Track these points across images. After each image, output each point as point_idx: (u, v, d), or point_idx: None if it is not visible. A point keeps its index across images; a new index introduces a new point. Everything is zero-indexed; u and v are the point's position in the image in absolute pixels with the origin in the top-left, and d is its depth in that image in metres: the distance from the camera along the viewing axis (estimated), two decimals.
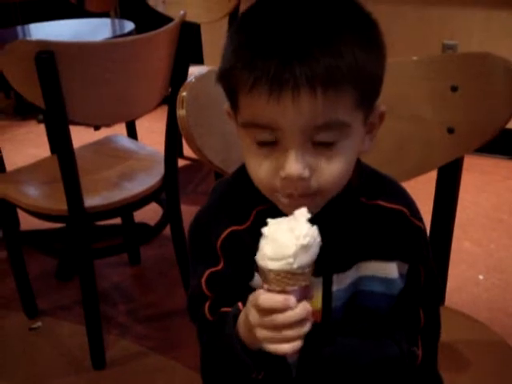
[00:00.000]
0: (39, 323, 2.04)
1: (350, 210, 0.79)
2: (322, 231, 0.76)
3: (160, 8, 2.94)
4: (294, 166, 0.68)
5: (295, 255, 0.64)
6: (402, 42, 2.93)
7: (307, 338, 0.76)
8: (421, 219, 0.85)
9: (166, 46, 1.71)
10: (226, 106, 0.77)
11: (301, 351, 0.68)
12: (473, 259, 2.26)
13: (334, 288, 0.79)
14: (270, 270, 0.65)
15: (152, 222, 2.09)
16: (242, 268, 0.77)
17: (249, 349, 0.74)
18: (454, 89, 1.04)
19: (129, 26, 2.50)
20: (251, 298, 0.69)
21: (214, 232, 0.80)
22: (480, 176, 2.87)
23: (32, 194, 1.87)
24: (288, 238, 0.64)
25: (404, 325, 0.87)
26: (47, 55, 1.45)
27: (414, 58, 1.08)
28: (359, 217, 0.80)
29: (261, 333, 0.67)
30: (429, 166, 1.10)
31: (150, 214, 2.18)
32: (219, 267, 0.80)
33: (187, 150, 3.19)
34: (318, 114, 0.66)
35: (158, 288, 2.21)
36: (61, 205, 1.68)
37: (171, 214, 1.96)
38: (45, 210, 1.76)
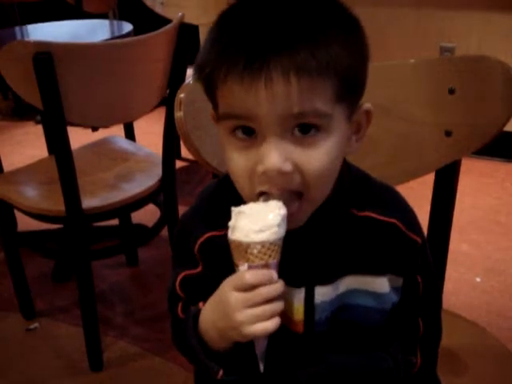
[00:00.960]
0: (36, 324, 2.04)
1: (338, 221, 0.77)
2: (306, 241, 0.76)
3: (158, 9, 2.94)
4: (273, 159, 0.66)
5: (279, 224, 0.67)
6: (399, 44, 2.95)
7: (291, 348, 0.76)
8: (418, 231, 0.81)
9: (164, 48, 1.71)
10: (210, 108, 0.76)
11: (282, 363, 0.71)
12: (470, 262, 2.26)
13: (318, 300, 0.77)
14: (256, 243, 0.67)
15: (150, 224, 2.09)
16: (219, 273, 0.75)
17: (211, 349, 0.75)
18: (452, 91, 1.04)
19: (127, 27, 2.50)
20: (229, 282, 0.70)
21: (193, 236, 0.80)
22: (478, 178, 2.87)
23: (29, 194, 1.87)
24: (269, 210, 0.68)
25: (401, 336, 0.85)
26: (45, 56, 1.45)
27: (412, 60, 1.08)
28: (348, 229, 0.77)
29: (241, 315, 0.68)
30: (426, 169, 1.10)
31: (147, 215, 2.18)
32: (196, 270, 0.81)
33: (185, 152, 3.18)
34: (293, 102, 0.64)
35: (155, 289, 2.21)
36: (58, 206, 1.68)
37: (169, 216, 1.96)
38: (42, 211, 1.76)
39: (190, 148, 0.93)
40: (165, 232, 1.99)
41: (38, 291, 2.14)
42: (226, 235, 0.74)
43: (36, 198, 1.85)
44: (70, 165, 1.62)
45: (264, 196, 0.70)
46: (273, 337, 0.70)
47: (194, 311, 0.78)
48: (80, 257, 1.75)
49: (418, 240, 0.80)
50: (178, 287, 0.83)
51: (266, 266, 0.68)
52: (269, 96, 0.64)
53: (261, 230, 0.67)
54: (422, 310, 0.86)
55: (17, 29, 2.78)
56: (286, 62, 0.63)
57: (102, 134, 2.54)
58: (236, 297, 0.68)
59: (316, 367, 0.80)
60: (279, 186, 0.68)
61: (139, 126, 2.78)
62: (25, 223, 2.19)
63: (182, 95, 0.92)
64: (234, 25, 0.67)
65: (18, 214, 1.98)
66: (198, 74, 0.71)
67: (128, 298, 2.20)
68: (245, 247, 0.68)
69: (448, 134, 1.05)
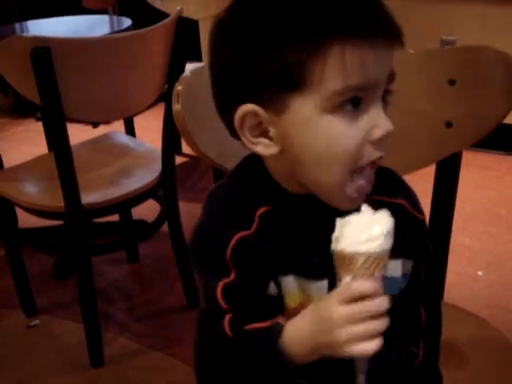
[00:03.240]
0: (37, 321, 2.04)
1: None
2: (324, 231, 0.73)
3: (157, 5, 2.93)
4: (386, 120, 0.68)
5: (386, 235, 0.65)
6: None
7: None
8: (422, 211, 0.84)
9: (163, 42, 1.70)
10: (246, 107, 0.70)
11: None
12: (472, 255, 2.26)
13: None
14: (362, 254, 0.64)
15: (150, 220, 2.08)
16: (255, 275, 0.73)
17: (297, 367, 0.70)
18: (452, 82, 1.03)
19: (126, 22, 2.50)
20: (332, 295, 0.66)
21: (222, 241, 0.73)
22: (479, 172, 2.86)
23: (29, 191, 1.86)
24: (376, 221, 0.65)
25: (404, 326, 0.84)
26: (43, 51, 1.44)
27: (411, 51, 1.07)
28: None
29: (343, 333, 0.64)
30: (427, 161, 1.10)
31: (148, 211, 2.18)
32: (231, 278, 0.73)
33: (185, 147, 3.18)
34: (391, 64, 0.69)
35: (156, 285, 2.21)
36: (58, 202, 1.68)
37: (169, 211, 1.95)
38: (42, 207, 1.75)
39: (188, 141, 0.92)
40: (165, 228, 1.98)
41: (38, 288, 2.13)
42: (256, 234, 0.73)
43: (36, 194, 1.85)
44: (69, 161, 1.62)
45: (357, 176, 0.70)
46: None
47: (277, 328, 0.71)
48: (80, 253, 1.75)
49: (423, 218, 0.83)
50: (220, 299, 0.73)
51: (372, 277, 0.65)
52: (387, 57, 0.67)
53: (367, 240, 0.64)
54: (423, 298, 0.86)
55: (16, 25, 2.78)
56: (390, 22, 0.67)
57: (102, 130, 2.54)
58: (339, 311, 0.64)
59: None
60: (385, 150, 0.70)
61: (139, 122, 2.78)
62: (26, 220, 2.19)
63: (179, 88, 0.91)
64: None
65: (19, 211, 1.98)
66: (285, 62, 0.66)
67: (129, 294, 2.20)
68: (349, 258, 0.65)
69: (449, 125, 1.05)
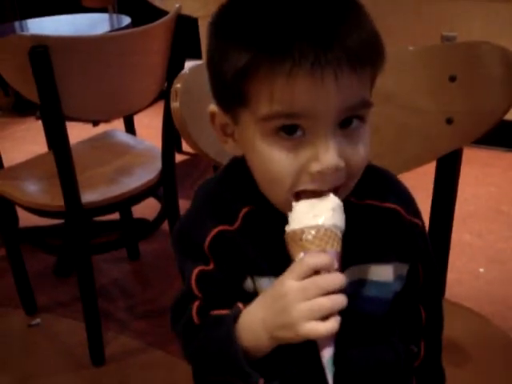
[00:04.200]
0: (38, 320, 2.04)
1: None
2: None
3: (157, 3, 2.92)
4: (331, 156, 0.63)
5: (333, 210, 0.66)
6: (400, 33, 2.92)
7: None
8: (418, 215, 0.81)
9: (162, 40, 1.70)
10: (212, 106, 0.72)
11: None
12: (473, 252, 2.25)
13: None
14: (310, 228, 0.65)
15: (150, 218, 2.08)
16: (233, 269, 0.73)
17: (249, 357, 0.69)
18: (453, 79, 1.03)
19: (125, 20, 2.49)
20: (286, 273, 0.66)
21: (201, 233, 0.74)
22: (480, 168, 2.86)
23: (29, 190, 1.86)
24: (324, 199, 0.66)
25: (402, 325, 0.84)
26: (41, 49, 1.44)
27: (412, 47, 1.07)
28: (349, 218, 0.74)
29: (297, 308, 0.63)
30: (428, 157, 1.09)
31: (148, 209, 2.17)
32: (209, 267, 0.74)
33: (186, 145, 3.17)
34: (354, 94, 0.63)
35: (157, 283, 2.20)
36: (58, 201, 1.67)
37: (169, 209, 1.95)
38: (42, 206, 1.75)
39: (187, 138, 0.92)
40: (166, 226, 1.98)
41: (39, 287, 2.13)
42: (236, 231, 0.72)
43: (35, 193, 1.85)
44: (68, 159, 1.62)
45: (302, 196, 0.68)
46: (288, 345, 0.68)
47: (235, 312, 0.71)
48: (80, 251, 1.75)
49: (419, 222, 0.81)
50: (194, 284, 0.74)
51: (324, 252, 0.65)
52: (337, 89, 0.61)
53: (315, 215, 0.65)
54: (423, 297, 0.85)
55: (16, 23, 2.77)
56: (351, 50, 0.61)
57: (102, 128, 2.53)
58: (293, 287, 0.64)
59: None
60: (331, 184, 0.67)
61: (139, 121, 2.77)
62: (26, 219, 2.18)
63: (178, 85, 0.91)
64: (277, 16, 0.62)
65: (20, 210, 1.98)
66: (237, 79, 0.65)
67: (129, 293, 2.19)
68: (299, 234, 0.65)
69: (449, 121, 1.04)
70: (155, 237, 2.21)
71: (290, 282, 0.65)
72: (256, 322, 0.68)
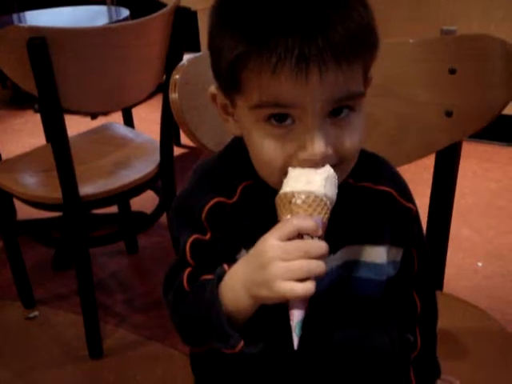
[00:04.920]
0: (36, 313, 2.04)
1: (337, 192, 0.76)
2: None
3: None
4: (318, 146, 0.66)
5: (326, 180, 0.66)
6: (399, 27, 2.91)
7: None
8: (411, 200, 0.83)
9: (160, 32, 1.69)
10: (212, 88, 0.75)
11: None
12: (472, 246, 2.25)
13: None
14: (301, 192, 0.66)
15: (149, 211, 2.07)
16: (228, 240, 0.75)
17: (233, 322, 0.69)
18: (452, 71, 1.03)
19: (124, 12, 2.48)
20: (270, 231, 0.66)
21: (198, 204, 0.76)
22: (479, 163, 2.86)
23: (27, 182, 1.86)
24: (319, 169, 0.67)
25: (398, 312, 0.86)
26: (39, 41, 1.43)
27: (412, 40, 1.06)
28: (346, 199, 0.76)
29: (275, 266, 0.63)
30: (427, 150, 1.09)
31: (146, 202, 2.17)
32: (206, 237, 0.76)
33: (184, 139, 3.17)
34: (340, 87, 0.64)
35: (155, 276, 2.20)
36: (56, 193, 1.67)
37: (167, 202, 1.94)
38: (39, 199, 1.75)
39: (185, 130, 0.92)
40: (164, 219, 1.98)
41: (37, 279, 2.13)
42: (234, 204, 0.74)
43: (33, 185, 1.84)
44: (66, 152, 1.61)
45: None
46: (272, 310, 0.68)
47: (219, 272, 0.71)
48: (78, 244, 1.74)
49: (412, 207, 0.82)
50: (188, 251, 0.75)
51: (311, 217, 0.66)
52: (322, 83, 0.63)
53: (308, 182, 0.66)
54: (417, 285, 0.86)
55: (14, 16, 2.76)
56: (336, 44, 0.62)
57: (100, 122, 2.52)
58: (275, 245, 0.64)
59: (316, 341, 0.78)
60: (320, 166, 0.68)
61: (138, 115, 2.77)
62: (24, 212, 2.18)
63: (176, 76, 0.91)
64: (269, 7, 0.63)
65: (17, 203, 1.98)
66: (230, 69, 0.67)
67: (127, 286, 2.19)
68: (289, 198, 0.66)
69: (448, 114, 1.04)
70: (153, 230, 2.21)
71: (272, 241, 0.65)
72: (236, 280, 0.69)
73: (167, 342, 1.84)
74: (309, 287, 0.63)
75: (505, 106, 1.01)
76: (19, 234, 1.98)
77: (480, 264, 2.16)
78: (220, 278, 0.70)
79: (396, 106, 1.04)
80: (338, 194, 0.73)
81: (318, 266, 0.64)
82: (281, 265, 0.63)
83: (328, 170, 0.68)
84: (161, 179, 1.90)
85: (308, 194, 0.66)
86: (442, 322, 0.91)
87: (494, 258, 2.19)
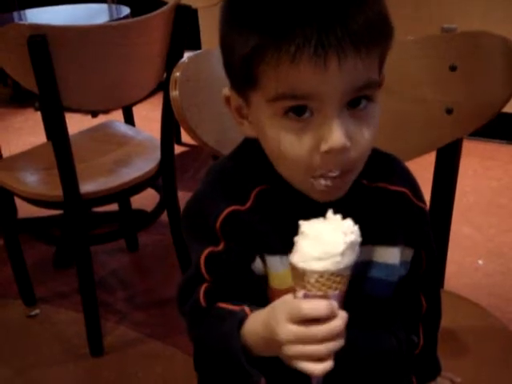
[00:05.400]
0: (37, 310, 2.04)
1: (351, 193, 0.74)
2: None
3: None
4: (338, 136, 0.64)
5: (343, 253, 0.60)
6: (399, 26, 2.89)
7: None
8: (423, 199, 0.83)
9: (161, 30, 1.69)
10: (226, 90, 0.74)
11: None
12: (472, 244, 2.25)
13: None
14: (314, 272, 0.60)
15: (149, 209, 2.08)
16: (243, 250, 0.74)
17: (252, 355, 0.69)
18: (453, 68, 1.03)
19: (125, 10, 2.48)
20: (283, 308, 0.62)
21: (213, 212, 0.74)
22: (480, 161, 2.85)
23: (27, 180, 1.86)
24: (335, 235, 0.60)
25: (404, 312, 0.85)
26: (39, 39, 1.43)
27: (412, 37, 1.06)
28: (361, 200, 0.77)
29: (291, 349, 0.61)
30: (428, 147, 1.09)
31: (147, 200, 2.17)
32: (219, 248, 0.74)
33: (185, 137, 3.17)
34: (359, 76, 0.63)
35: (155, 274, 2.20)
36: (56, 191, 1.67)
37: (168, 200, 1.94)
38: (40, 197, 1.75)
39: (186, 127, 0.91)
40: (164, 217, 1.98)
41: (38, 277, 2.13)
42: (248, 210, 0.73)
43: (34, 183, 1.84)
44: (67, 150, 1.61)
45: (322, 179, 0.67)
46: None
47: (240, 316, 0.70)
48: (79, 242, 1.74)
49: (424, 207, 0.82)
50: (203, 266, 0.74)
51: (325, 297, 0.60)
52: (341, 72, 0.62)
53: (320, 258, 0.60)
54: (424, 285, 0.86)
55: (15, 14, 2.76)
56: (355, 32, 0.61)
57: (101, 120, 2.52)
58: (288, 329, 0.61)
59: None
60: (340, 165, 0.67)
61: (139, 113, 2.77)
62: (25, 210, 2.18)
63: (177, 74, 0.90)
64: None
65: (18, 201, 1.98)
66: (245, 62, 0.66)
67: (128, 283, 2.19)
68: (301, 273, 0.61)
69: (449, 111, 1.04)
70: (154, 228, 2.21)
71: (284, 324, 0.62)
72: (258, 339, 0.68)
73: (168, 340, 1.84)
74: (326, 367, 0.61)
75: (506, 103, 1.01)
76: (20, 232, 1.98)
77: (481, 262, 2.16)
78: (241, 320, 0.69)
79: (396, 104, 1.04)
80: (352, 196, 0.73)
81: (335, 345, 0.61)
82: (296, 348, 0.61)
83: (345, 240, 0.61)
84: (161, 177, 1.89)
85: (321, 274, 0.60)
86: (443, 320, 0.90)
87: (495, 256, 2.19)
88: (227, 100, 0.75)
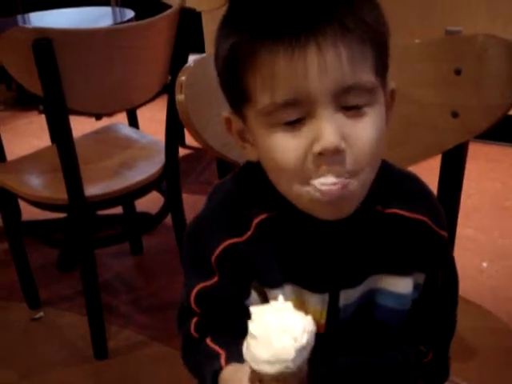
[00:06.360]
0: (41, 313, 2.04)
1: (363, 220, 0.71)
2: (331, 244, 0.72)
3: None
4: (329, 136, 0.61)
5: (295, 359, 0.56)
6: (404, 28, 2.89)
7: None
8: (444, 226, 0.78)
9: (165, 33, 1.69)
10: (226, 113, 0.72)
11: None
12: (477, 247, 2.25)
13: (341, 303, 0.74)
14: (266, 374, 0.57)
15: (154, 212, 2.08)
16: (237, 285, 0.73)
17: None
18: (458, 72, 1.02)
19: (129, 14, 2.49)
20: None
21: (210, 244, 0.73)
22: (485, 163, 2.85)
23: (32, 183, 1.86)
24: (284, 341, 0.56)
25: (416, 330, 0.83)
26: (45, 42, 1.43)
27: (417, 40, 1.06)
28: (374, 227, 0.73)
29: None
30: (433, 151, 1.09)
31: (151, 203, 2.17)
32: (212, 282, 0.73)
33: (189, 139, 3.18)
34: (344, 75, 0.61)
35: (160, 277, 2.20)
36: (61, 194, 1.67)
37: (172, 203, 1.95)
38: (45, 200, 1.75)
39: (192, 131, 0.92)
40: (169, 220, 1.98)
41: (42, 280, 2.13)
42: (247, 241, 0.71)
43: (38, 186, 1.85)
44: (71, 153, 1.61)
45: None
46: None
47: (214, 368, 0.70)
48: (83, 245, 1.75)
49: (445, 235, 0.78)
50: (193, 302, 0.74)
51: None
52: (321, 63, 0.60)
53: (270, 362, 0.56)
54: (439, 304, 0.83)
55: (19, 17, 2.76)
56: (336, 27, 0.60)
57: (105, 122, 2.53)
58: None
59: (322, 368, 0.76)
60: (336, 171, 0.63)
61: (143, 115, 2.77)
62: (29, 212, 2.19)
63: (183, 78, 0.91)
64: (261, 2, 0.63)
65: (22, 204, 1.98)
66: (228, 62, 0.66)
67: (132, 287, 2.19)
68: (255, 372, 0.59)
69: (455, 115, 1.04)
70: (158, 231, 2.21)
71: None
72: None
73: (172, 343, 1.83)
74: None
75: (511, 105, 1.01)
76: (24, 235, 1.98)
77: (485, 264, 2.16)
78: (215, 373, 0.69)
79: (401, 107, 1.03)
80: (365, 222, 0.71)
81: None
82: None
83: (295, 344, 0.56)
84: (166, 180, 1.90)
85: (276, 377, 0.57)
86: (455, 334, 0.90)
87: (499, 258, 2.18)
88: (228, 123, 0.73)
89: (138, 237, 2.31)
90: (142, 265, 2.34)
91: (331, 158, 0.63)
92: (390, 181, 0.74)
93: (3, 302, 2.12)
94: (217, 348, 0.72)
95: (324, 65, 0.61)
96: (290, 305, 0.60)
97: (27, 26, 2.49)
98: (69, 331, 1.95)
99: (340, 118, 0.63)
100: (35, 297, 2.07)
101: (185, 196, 1.97)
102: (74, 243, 1.84)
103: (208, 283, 0.73)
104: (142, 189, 1.82)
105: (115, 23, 2.39)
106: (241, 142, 0.73)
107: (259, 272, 0.72)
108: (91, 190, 1.71)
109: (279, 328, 0.57)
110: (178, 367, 1.76)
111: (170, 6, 1.75)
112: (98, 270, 1.82)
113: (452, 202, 1.15)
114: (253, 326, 0.59)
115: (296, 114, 0.63)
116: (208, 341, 0.74)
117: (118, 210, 2.22)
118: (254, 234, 0.72)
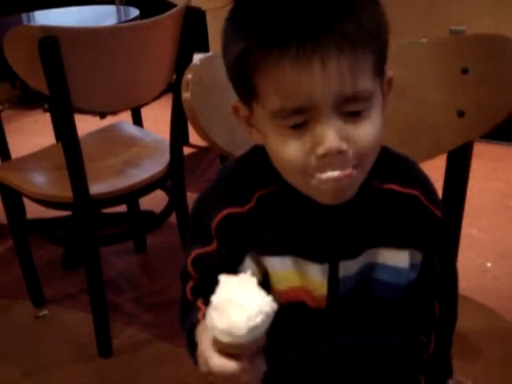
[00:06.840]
0: (46, 311, 2.04)
1: (361, 195, 0.75)
2: (330, 216, 0.75)
3: None
4: (331, 139, 0.65)
5: (246, 335, 0.59)
6: (408, 27, 2.90)
7: (310, 325, 0.74)
8: (438, 205, 0.82)
9: (170, 32, 1.69)
10: (234, 101, 0.75)
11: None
12: (481, 246, 2.25)
13: (341, 275, 0.77)
14: (220, 341, 0.61)
15: (158, 210, 2.08)
16: (235, 252, 0.76)
17: None
18: (465, 71, 1.02)
19: (133, 12, 2.49)
20: (208, 345, 0.64)
21: (211, 213, 0.77)
22: (489, 163, 2.85)
23: (37, 181, 1.87)
24: (238, 317, 0.59)
25: (415, 316, 0.85)
26: (50, 41, 1.44)
27: (424, 40, 1.06)
28: (370, 202, 0.77)
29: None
30: (439, 150, 1.09)
31: (155, 201, 2.17)
32: (210, 248, 0.77)
33: (193, 138, 3.18)
34: (346, 83, 0.64)
35: (164, 275, 2.21)
36: (66, 192, 1.67)
37: (177, 202, 1.95)
38: (50, 198, 1.75)
39: (198, 129, 0.92)
40: (173, 218, 1.99)
41: (47, 278, 2.14)
42: (247, 213, 0.75)
43: (43, 184, 1.85)
44: (76, 151, 1.62)
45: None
46: (290, 314, 0.70)
47: (194, 320, 0.74)
48: (88, 243, 1.75)
49: (438, 214, 0.81)
50: (190, 266, 0.79)
51: (238, 356, 0.62)
52: (325, 74, 0.63)
53: (224, 333, 0.60)
54: (438, 291, 0.85)
55: (24, 15, 2.77)
56: (338, 36, 0.63)
57: (109, 121, 2.53)
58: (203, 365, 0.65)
59: (327, 344, 0.80)
60: (339, 164, 0.67)
61: (147, 114, 2.77)
62: (33, 210, 2.19)
63: (189, 76, 0.91)
64: (272, 5, 0.65)
65: (27, 202, 1.98)
66: (237, 65, 0.68)
67: (137, 285, 2.20)
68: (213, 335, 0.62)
69: (461, 114, 1.04)
70: (162, 229, 2.22)
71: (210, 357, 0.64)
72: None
73: (176, 341, 1.84)
74: None
75: None
76: (29, 233, 1.99)
77: (489, 264, 2.15)
78: (193, 325, 0.72)
79: (407, 106, 1.04)
80: (361, 197, 0.74)
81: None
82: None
83: (249, 323, 0.59)
84: (170, 179, 1.90)
85: (229, 345, 0.61)
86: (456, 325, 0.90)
87: (503, 258, 2.18)
88: (235, 110, 0.76)
89: (142, 235, 2.32)
90: (146, 263, 2.34)
91: (335, 158, 0.66)
92: (387, 159, 0.78)
93: (8, 300, 2.12)
94: (203, 307, 0.74)
95: (327, 78, 0.63)
96: (254, 281, 0.63)
97: (33, 24, 2.49)
98: (73, 329, 1.96)
99: (341, 122, 0.66)
100: (40, 295, 2.07)
101: (189, 194, 1.97)
102: (78, 241, 1.85)
103: (206, 249, 0.78)
104: (146, 187, 1.82)
105: (120, 22, 2.39)
106: (247, 127, 0.77)
107: (258, 241, 0.76)
108: (96, 188, 1.71)
109: (237, 302, 0.60)
110: (182, 365, 1.78)
111: (174, 5, 1.75)
112: (103, 268, 1.82)
113: (457, 201, 1.15)
114: (216, 294, 0.62)
115: (301, 118, 0.67)
116: (199, 302, 0.77)
117: (123, 208, 2.22)
118: (254, 207, 0.77)
